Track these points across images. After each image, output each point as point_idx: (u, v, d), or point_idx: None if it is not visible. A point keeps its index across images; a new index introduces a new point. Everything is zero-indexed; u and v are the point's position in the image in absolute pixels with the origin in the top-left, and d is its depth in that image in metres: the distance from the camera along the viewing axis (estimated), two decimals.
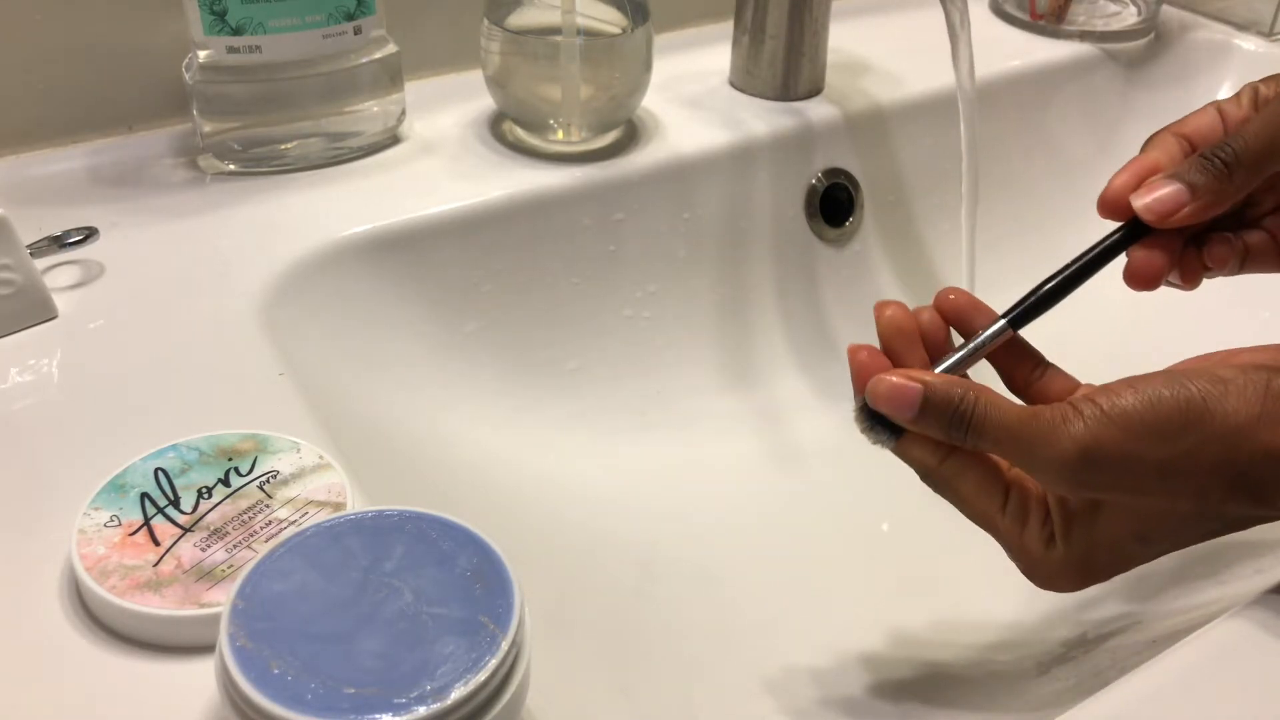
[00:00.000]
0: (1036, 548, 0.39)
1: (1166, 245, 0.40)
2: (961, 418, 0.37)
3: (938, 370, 0.39)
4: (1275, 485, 0.35)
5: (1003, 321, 0.40)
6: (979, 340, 0.40)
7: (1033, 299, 0.40)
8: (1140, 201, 0.39)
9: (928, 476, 0.40)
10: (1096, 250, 0.40)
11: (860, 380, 0.40)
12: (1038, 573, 0.39)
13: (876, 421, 0.40)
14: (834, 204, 0.67)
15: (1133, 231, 0.40)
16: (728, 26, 0.67)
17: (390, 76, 0.59)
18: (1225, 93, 0.75)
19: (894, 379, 0.38)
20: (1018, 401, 0.38)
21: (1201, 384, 0.35)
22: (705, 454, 0.61)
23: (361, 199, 0.56)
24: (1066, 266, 0.40)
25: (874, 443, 0.40)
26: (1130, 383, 0.35)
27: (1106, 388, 0.36)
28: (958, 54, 0.55)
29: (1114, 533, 0.37)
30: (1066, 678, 0.49)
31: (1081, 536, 0.38)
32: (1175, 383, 0.35)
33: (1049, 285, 0.40)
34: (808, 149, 0.65)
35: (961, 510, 0.40)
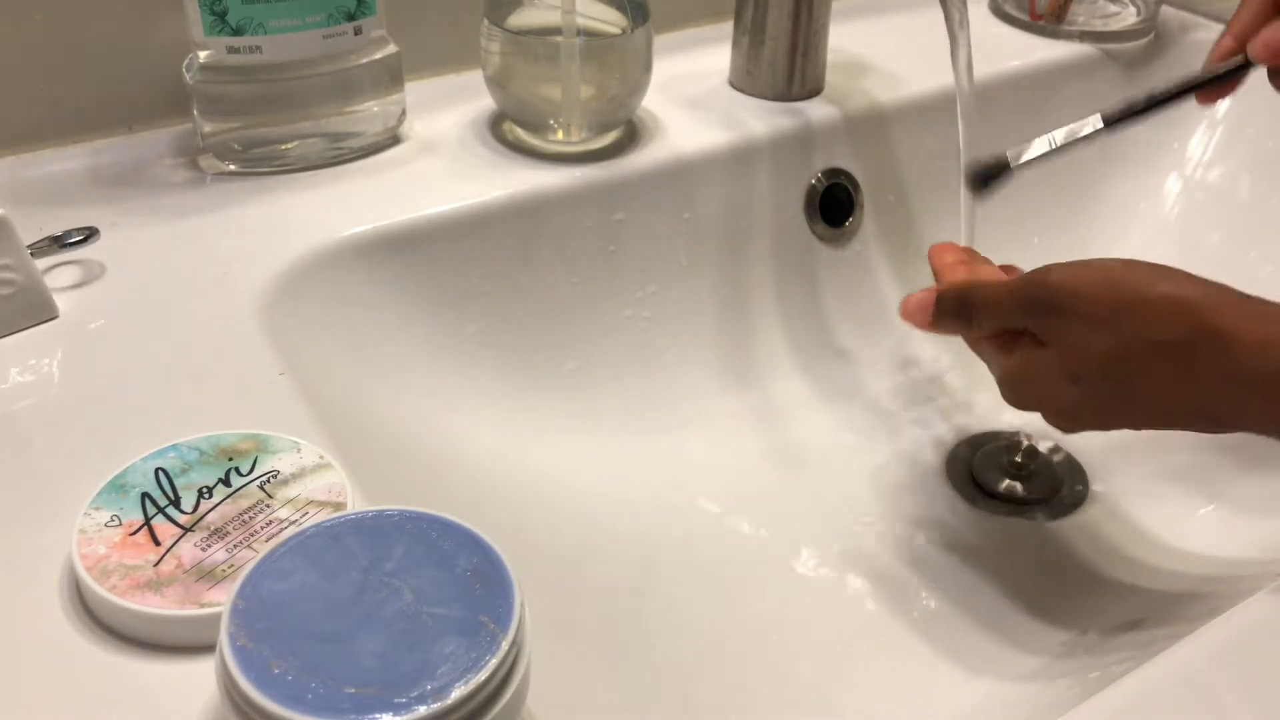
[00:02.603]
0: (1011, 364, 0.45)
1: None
2: (966, 306, 0.45)
3: (1027, 155, 0.47)
4: (1210, 363, 0.39)
5: (1098, 118, 0.47)
6: (1072, 131, 0.47)
7: (1135, 104, 0.47)
8: (1254, 49, 0.46)
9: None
10: (1203, 77, 0.47)
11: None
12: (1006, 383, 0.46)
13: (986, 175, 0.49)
14: (834, 204, 0.67)
15: (1238, 68, 0.47)
16: (728, 26, 0.67)
17: (390, 77, 0.59)
18: None
19: (914, 297, 0.47)
20: None
21: (1146, 267, 0.41)
22: (705, 454, 0.61)
23: (362, 199, 0.56)
24: (1171, 85, 0.47)
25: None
26: (1104, 259, 0.42)
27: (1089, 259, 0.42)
28: (957, 54, 0.55)
29: (1045, 359, 0.43)
30: (1066, 678, 0.49)
31: (1036, 359, 0.44)
32: (1126, 262, 0.41)
33: (1152, 96, 0.47)
34: (808, 149, 0.65)
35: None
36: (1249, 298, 0.39)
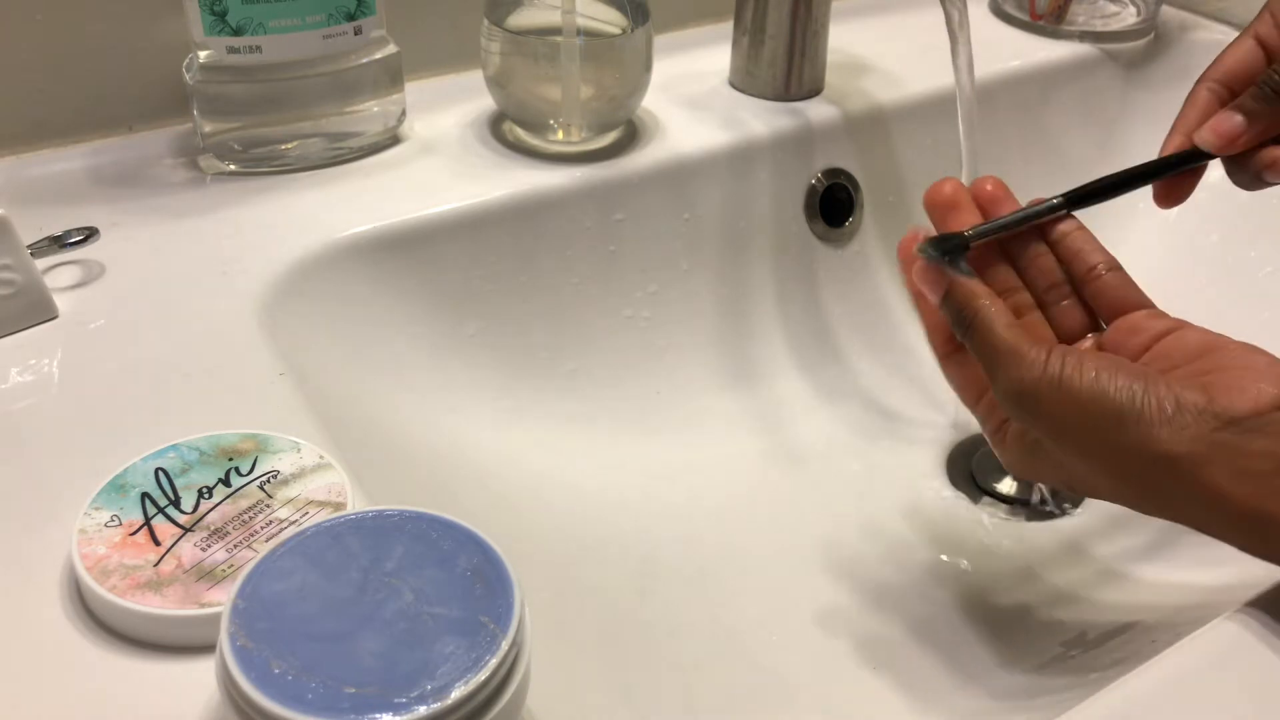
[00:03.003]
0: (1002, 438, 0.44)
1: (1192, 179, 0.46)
2: (965, 319, 0.41)
3: (983, 228, 0.44)
4: (1175, 502, 0.38)
5: (1059, 199, 0.44)
6: (1030, 211, 0.44)
7: (1094, 186, 0.45)
8: (1201, 135, 0.45)
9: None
10: (1160, 162, 0.46)
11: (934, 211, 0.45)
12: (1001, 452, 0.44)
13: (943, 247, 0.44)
14: (834, 204, 0.67)
15: (1193, 155, 0.45)
16: (728, 26, 0.67)
17: (390, 77, 0.59)
18: None
19: (928, 265, 0.43)
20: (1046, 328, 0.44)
21: (1156, 397, 0.36)
22: (705, 454, 0.61)
23: (362, 199, 0.56)
24: (1132, 169, 0.45)
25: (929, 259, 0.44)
26: (1102, 360, 0.38)
27: (1084, 354, 0.39)
28: (957, 54, 0.55)
29: (1042, 468, 0.42)
30: (1066, 678, 0.49)
31: (1023, 449, 0.42)
32: (1136, 379, 0.37)
33: (1112, 178, 0.45)
34: (808, 149, 0.65)
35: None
36: (1242, 445, 0.36)
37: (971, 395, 0.45)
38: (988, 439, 0.45)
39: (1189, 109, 0.47)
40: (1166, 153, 0.46)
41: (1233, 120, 0.44)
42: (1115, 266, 0.44)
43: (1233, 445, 0.35)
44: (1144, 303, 0.43)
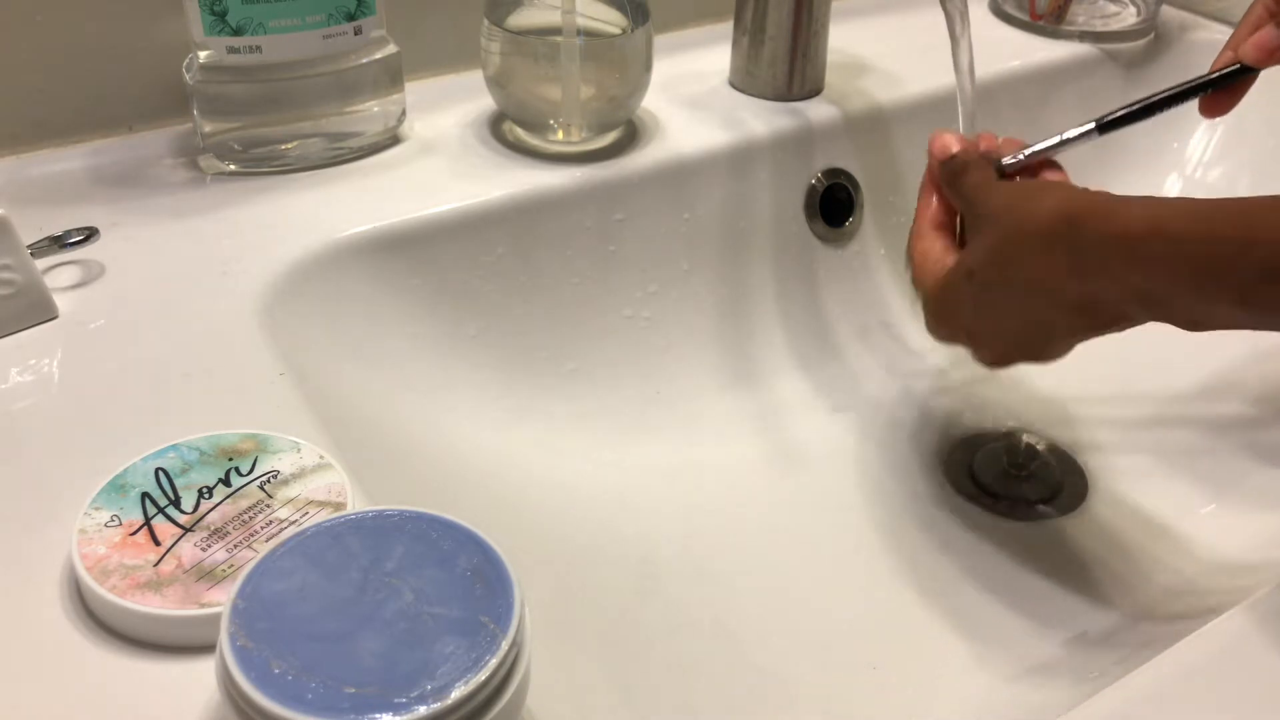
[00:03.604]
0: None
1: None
2: (956, 174, 0.49)
3: (1027, 153, 0.50)
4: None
5: (1091, 125, 0.49)
6: (1066, 135, 0.49)
7: (1126, 110, 0.48)
8: (1244, 50, 0.48)
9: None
10: (1200, 81, 0.48)
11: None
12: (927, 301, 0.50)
13: None
14: (834, 204, 0.67)
15: (1234, 73, 0.48)
16: (728, 26, 0.67)
17: (390, 77, 0.59)
18: None
19: (948, 135, 0.51)
20: None
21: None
22: (705, 454, 0.61)
23: (362, 199, 0.56)
24: (1166, 90, 0.48)
25: None
26: (1030, 188, 0.47)
27: (1034, 183, 0.49)
28: (958, 54, 0.55)
29: (957, 265, 0.47)
30: (1067, 678, 0.49)
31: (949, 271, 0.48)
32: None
33: (1145, 101, 0.48)
34: (808, 149, 0.65)
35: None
36: (1118, 197, 0.42)
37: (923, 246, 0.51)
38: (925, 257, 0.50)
39: (1242, 24, 0.49)
40: (1218, 64, 0.49)
41: (1274, 34, 0.47)
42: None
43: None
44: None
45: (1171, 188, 0.75)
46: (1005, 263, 0.44)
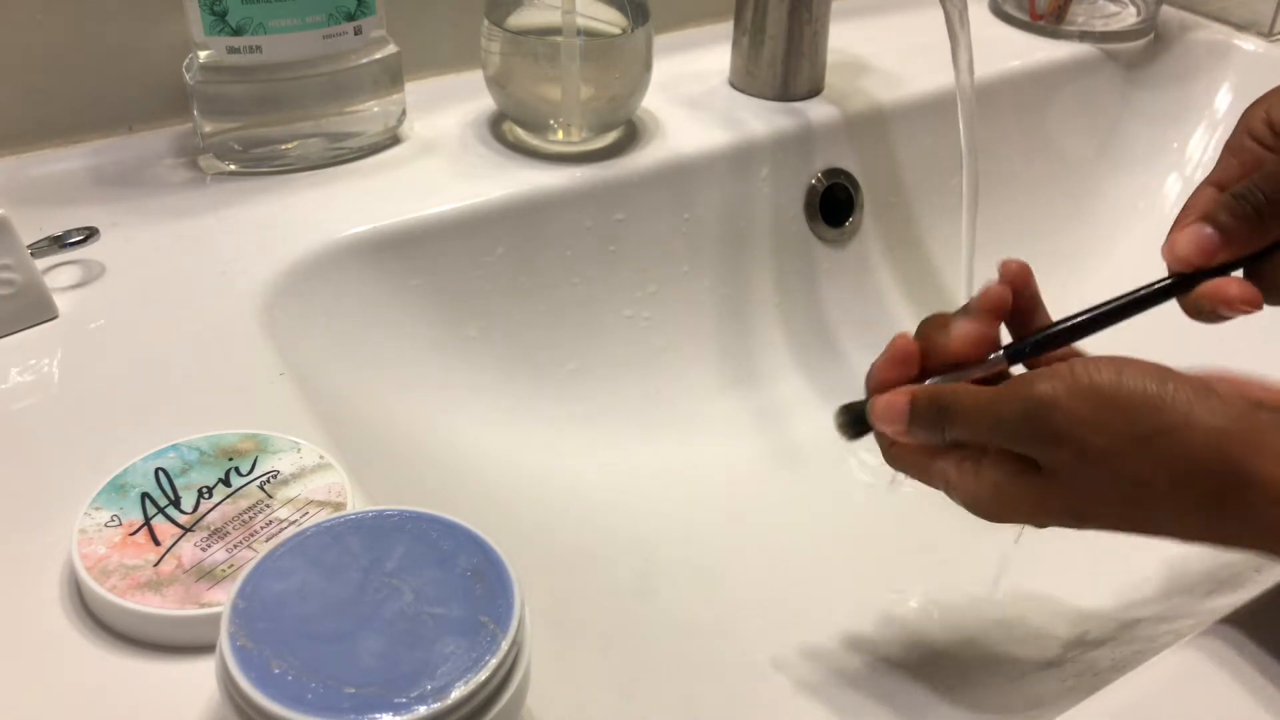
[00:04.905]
0: (970, 483, 0.39)
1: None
2: (940, 406, 0.39)
3: (932, 382, 0.41)
4: (1227, 499, 0.34)
5: (999, 354, 0.40)
6: (973, 370, 0.40)
7: (1046, 332, 0.40)
8: (1170, 250, 0.39)
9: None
10: (1131, 296, 0.39)
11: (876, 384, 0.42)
12: (978, 506, 0.39)
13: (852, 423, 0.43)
14: (834, 204, 0.67)
15: (1184, 279, 0.39)
16: (728, 26, 0.67)
17: (390, 77, 0.59)
18: (1224, 93, 0.75)
19: (884, 397, 0.41)
20: None
21: (1185, 389, 0.34)
22: (705, 454, 0.61)
23: (362, 199, 0.56)
24: (1097, 306, 0.39)
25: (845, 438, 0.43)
26: (1115, 362, 0.35)
27: (1090, 360, 0.36)
28: (957, 54, 0.55)
29: (1051, 492, 0.37)
30: (1066, 678, 0.49)
31: (1022, 485, 0.37)
32: (1159, 377, 0.35)
33: (1068, 323, 0.40)
34: (808, 149, 0.65)
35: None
36: (1273, 426, 0.34)
37: (922, 461, 0.41)
38: (949, 484, 0.40)
39: (1188, 207, 0.40)
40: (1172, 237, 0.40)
41: (1202, 233, 0.39)
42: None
43: (1273, 425, 0.33)
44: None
45: (1172, 188, 0.75)
46: (1140, 507, 0.36)
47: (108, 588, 0.34)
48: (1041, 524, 0.39)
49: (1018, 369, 0.41)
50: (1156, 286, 0.39)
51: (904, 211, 0.69)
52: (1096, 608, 0.53)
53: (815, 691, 0.50)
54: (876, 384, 0.42)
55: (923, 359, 0.42)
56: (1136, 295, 0.39)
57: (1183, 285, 0.39)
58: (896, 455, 0.42)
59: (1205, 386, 0.34)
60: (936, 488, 0.41)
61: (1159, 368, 0.35)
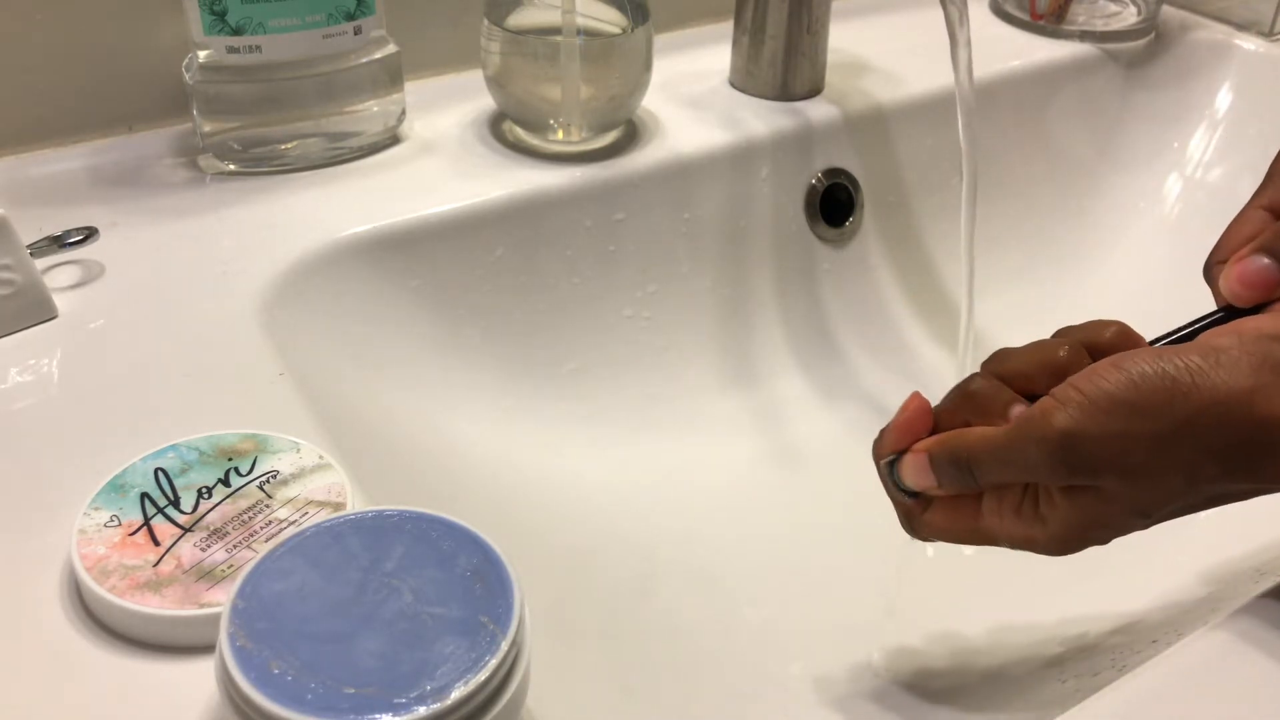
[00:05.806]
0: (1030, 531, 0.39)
1: None
2: (960, 460, 0.38)
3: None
4: (1269, 456, 0.33)
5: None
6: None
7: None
8: (1229, 285, 0.38)
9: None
10: (1181, 333, 0.38)
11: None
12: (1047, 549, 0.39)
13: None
14: (834, 204, 0.67)
15: (1233, 312, 0.38)
16: (728, 26, 0.67)
17: (390, 76, 0.59)
18: (1225, 93, 0.75)
19: (909, 456, 0.41)
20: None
21: (1190, 358, 0.34)
22: (705, 454, 0.61)
23: (361, 199, 0.56)
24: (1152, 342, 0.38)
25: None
26: (1115, 362, 0.35)
27: (1091, 370, 0.35)
28: (957, 54, 0.55)
29: (1111, 511, 0.36)
30: (1066, 678, 0.49)
31: (1076, 509, 0.37)
32: (1159, 358, 0.34)
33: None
34: (808, 149, 0.65)
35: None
36: None
37: (966, 521, 0.41)
38: (1020, 539, 0.39)
39: (1231, 231, 0.39)
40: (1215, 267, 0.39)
41: (1259, 264, 0.37)
42: None
43: None
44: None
45: (1172, 188, 0.75)
46: (1199, 489, 0.35)
47: (107, 588, 0.34)
48: (1115, 537, 0.38)
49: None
50: (1207, 322, 0.38)
51: (904, 211, 0.69)
52: (1096, 608, 0.53)
53: (815, 691, 0.50)
54: (889, 448, 0.43)
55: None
56: (1185, 332, 0.38)
57: (1231, 317, 0.38)
58: (928, 524, 0.42)
59: (1208, 348, 0.34)
60: (988, 545, 0.40)
61: (1154, 350, 0.35)
